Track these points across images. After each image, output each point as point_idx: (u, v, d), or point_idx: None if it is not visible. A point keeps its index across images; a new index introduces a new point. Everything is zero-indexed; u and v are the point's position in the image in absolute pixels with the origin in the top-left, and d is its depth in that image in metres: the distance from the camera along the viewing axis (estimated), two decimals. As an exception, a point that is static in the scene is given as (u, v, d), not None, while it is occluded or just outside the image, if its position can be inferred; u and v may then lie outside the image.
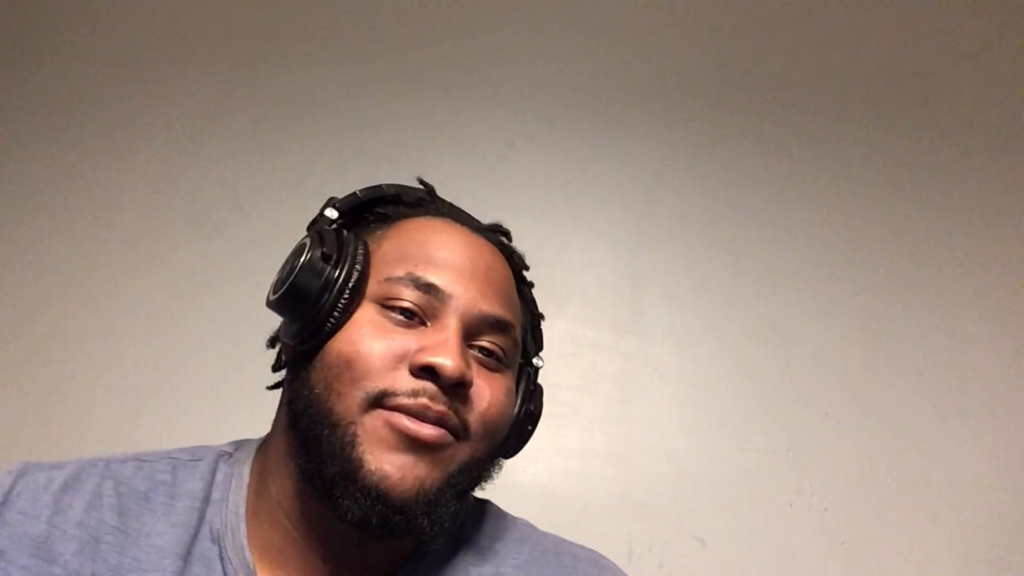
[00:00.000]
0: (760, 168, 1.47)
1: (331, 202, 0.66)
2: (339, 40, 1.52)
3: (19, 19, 1.52)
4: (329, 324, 0.59)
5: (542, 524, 0.72)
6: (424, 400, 0.57)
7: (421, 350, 0.58)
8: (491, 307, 0.62)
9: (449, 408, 0.57)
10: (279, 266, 0.63)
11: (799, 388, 1.37)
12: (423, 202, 0.69)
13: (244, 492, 0.64)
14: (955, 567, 1.30)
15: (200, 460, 0.66)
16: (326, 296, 0.59)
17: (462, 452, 0.59)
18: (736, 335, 1.40)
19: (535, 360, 0.72)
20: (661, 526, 1.31)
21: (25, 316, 1.38)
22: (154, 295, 1.40)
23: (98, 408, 1.31)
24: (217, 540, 0.61)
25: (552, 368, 1.38)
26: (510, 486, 1.31)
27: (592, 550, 0.71)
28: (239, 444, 0.68)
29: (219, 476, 0.65)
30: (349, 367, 0.57)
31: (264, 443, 0.66)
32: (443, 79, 1.50)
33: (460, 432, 0.58)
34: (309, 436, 0.58)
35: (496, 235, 0.70)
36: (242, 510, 0.63)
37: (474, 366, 0.60)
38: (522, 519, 0.72)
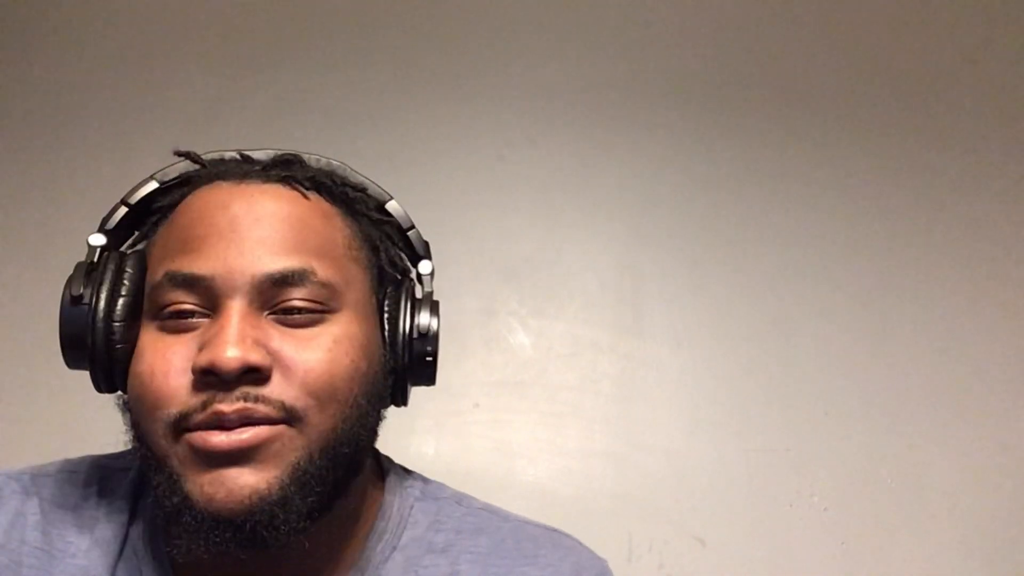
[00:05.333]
0: (760, 168, 1.47)
1: (102, 224, 0.60)
2: (339, 40, 1.52)
3: (18, 18, 1.52)
4: (117, 364, 0.54)
5: (542, 524, 0.71)
6: (216, 407, 0.50)
7: (198, 353, 0.51)
8: (269, 265, 0.53)
9: (249, 400, 0.50)
10: None
11: (799, 388, 1.37)
12: (195, 175, 0.60)
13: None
14: (955, 567, 1.30)
15: (129, 469, 0.62)
16: (96, 338, 0.54)
17: (302, 435, 0.52)
18: (736, 335, 1.40)
19: (421, 266, 0.64)
20: (661, 526, 1.31)
21: (25, 315, 1.38)
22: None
23: (100, 408, 1.31)
24: (137, 556, 0.58)
25: (552, 368, 1.39)
26: (510, 486, 1.32)
27: (556, 530, 0.67)
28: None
29: (146, 485, 0.61)
30: (141, 402, 0.52)
31: None
32: (443, 79, 1.50)
33: (282, 418, 0.51)
34: (148, 479, 0.54)
35: (275, 170, 0.59)
36: (162, 522, 0.59)
37: (276, 335, 0.52)
38: (481, 503, 0.67)
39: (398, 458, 0.71)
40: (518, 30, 1.53)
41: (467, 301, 1.40)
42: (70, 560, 0.57)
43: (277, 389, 0.51)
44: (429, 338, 0.60)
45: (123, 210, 0.60)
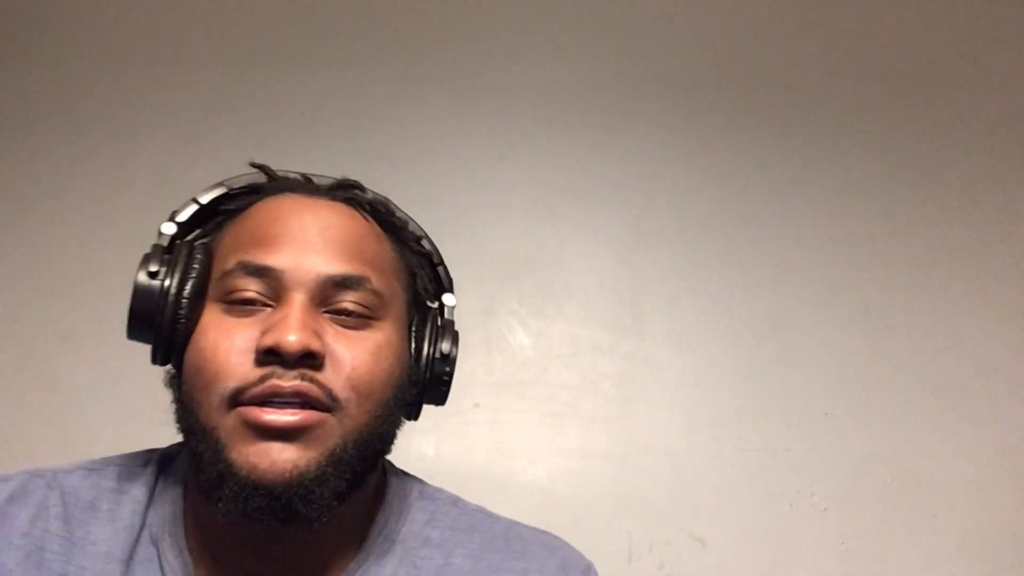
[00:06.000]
0: (760, 168, 1.47)
1: (172, 216, 0.66)
2: (339, 40, 1.52)
3: (19, 18, 1.52)
4: (177, 338, 0.59)
5: (542, 524, 0.72)
6: (273, 381, 0.55)
7: (263, 335, 0.57)
8: (333, 267, 0.60)
9: (305, 380, 0.56)
10: None
11: (799, 388, 1.37)
12: (264, 186, 0.68)
13: (181, 492, 0.64)
14: (955, 567, 1.30)
15: (146, 465, 0.67)
16: (164, 312, 0.59)
17: (340, 425, 0.57)
18: (736, 335, 1.40)
19: (445, 298, 0.71)
20: (661, 526, 1.31)
21: (26, 316, 1.38)
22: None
23: (101, 410, 1.31)
24: (155, 542, 0.62)
25: (552, 368, 1.39)
26: (510, 486, 1.32)
27: (545, 532, 0.71)
28: (183, 443, 0.67)
29: (161, 478, 0.66)
30: (200, 374, 0.57)
31: None
32: (443, 79, 1.50)
33: (328, 404, 0.57)
34: (191, 450, 0.59)
35: (340, 191, 0.67)
36: (179, 510, 0.64)
37: (330, 331, 0.59)
38: (475, 505, 0.72)
39: (398, 458, 0.71)
40: (519, 30, 1.53)
41: (467, 301, 1.39)
42: (91, 547, 0.61)
43: (328, 377, 0.57)
44: (448, 360, 0.67)
45: (193, 207, 0.66)
